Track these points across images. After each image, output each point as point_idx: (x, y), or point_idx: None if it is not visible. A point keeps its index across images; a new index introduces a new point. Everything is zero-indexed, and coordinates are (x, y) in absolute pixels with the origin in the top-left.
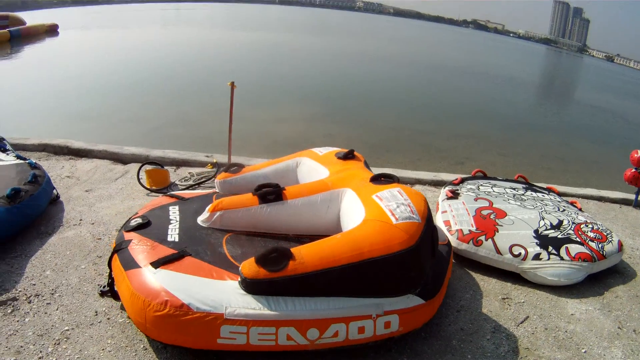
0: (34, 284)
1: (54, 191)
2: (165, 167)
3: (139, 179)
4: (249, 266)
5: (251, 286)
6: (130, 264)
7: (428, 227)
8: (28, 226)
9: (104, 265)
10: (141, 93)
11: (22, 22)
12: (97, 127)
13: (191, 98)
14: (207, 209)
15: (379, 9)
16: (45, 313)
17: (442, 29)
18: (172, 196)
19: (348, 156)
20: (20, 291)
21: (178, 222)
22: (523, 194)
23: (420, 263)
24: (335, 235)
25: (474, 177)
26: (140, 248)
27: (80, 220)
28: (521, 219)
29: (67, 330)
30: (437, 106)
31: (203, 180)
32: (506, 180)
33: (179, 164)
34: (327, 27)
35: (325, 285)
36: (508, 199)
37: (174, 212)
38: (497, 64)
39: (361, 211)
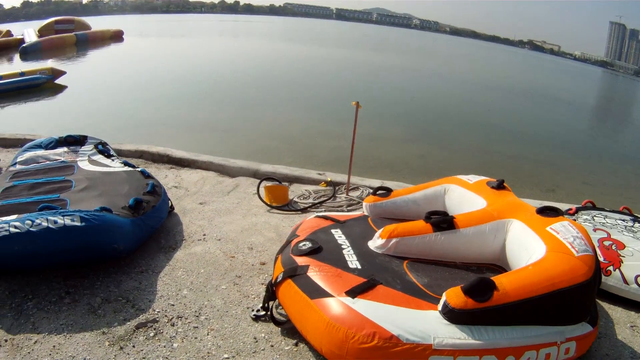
0: (173, 305)
1: (169, 202)
2: (284, 184)
3: (259, 195)
4: (456, 296)
5: (458, 316)
6: (317, 292)
7: (597, 258)
8: (147, 239)
9: (246, 286)
10: (220, 103)
11: (87, 27)
12: (181, 134)
13: (276, 110)
14: (378, 234)
15: (435, 27)
16: (196, 338)
17: (499, 49)
18: (325, 218)
19: (500, 186)
20: (158, 312)
21: (350, 247)
22: (632, 226)
23: (594, 293)
24: (527, 266)
25: (585, 207)
26: (324, 275)
27: (204, 235)
28: (638, 251)
29: (228, 358)
30: (513, 129)
31: (324, 199)
32: (613, 211)
33: (290, 180)
34: (389, 44)
35: (521, 314)
36: (622, 231)
37: (339, 236)
38: (559, 86)
39: (538, 243)
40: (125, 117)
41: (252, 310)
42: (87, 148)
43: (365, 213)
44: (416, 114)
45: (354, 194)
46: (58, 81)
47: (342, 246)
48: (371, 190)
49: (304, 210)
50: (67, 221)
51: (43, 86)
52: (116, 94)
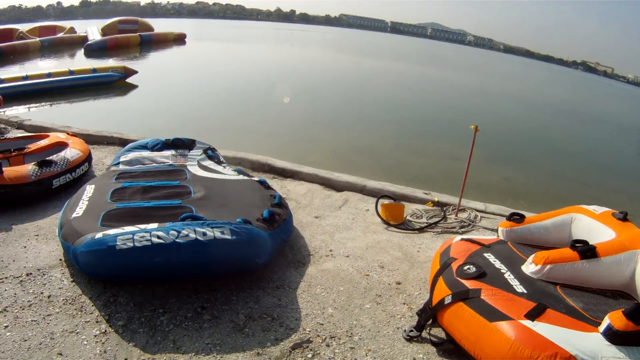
0: (322, 324)
1: None
2: (401, 202)
3: (377, 212)
4: (619, 320)
5: (620, 337)
6: (495, 315)
7: None
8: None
9: (389, 306)
10: (288, 111)
11: (150, 28)
12: (261, 141)
13: (360, 123)
14: (531, 260)
15: (489, 45)
16: (355, 359)
17: (554, 69)
18: (470, 241)
19: (625, 218)
20: (309, 331)
21: (509, 272)
22: None
23: None
24: None
25: None
26: (497, 299)
27: (330, 251)
28: None
29: None
30: (587, 154)
31: (438, 220)
32: None
33: (398, 198)
34: (455, 62)
35: None
36: None
37: (494, 260)
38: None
39: None
40: (198, 120)
41: (405, 331)
42: (196, 152)
43: (501, 237)
44: (490, 136)
45: (463, 215)
46: (129, 80)
47: (501, 270)
48: (476, 212)
49: (421, 230)
50: (217, 233)
51: (114, 84)
52: (187, 96)
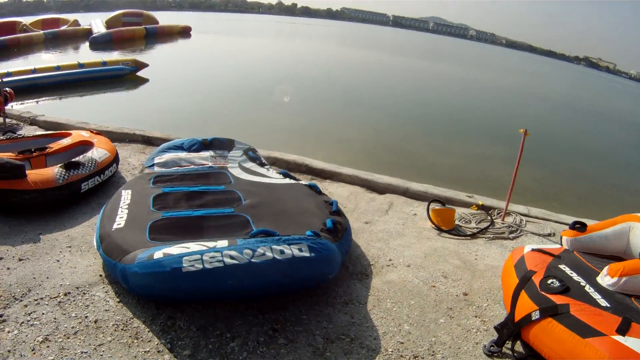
0: (402, 342)
1: None
2: (452, 207)
3: (430, 218)
4: None
5: None
6: (587, 331)
7: None
8: None
9: (462, 319)
10: (309, 106)
11: (155, 21)
12: (286, 139)
13: (384, 122)
14: (605, 272)
15: (491, 39)
16: None
17: (556, 65)
18: (540, 251)
19: None
20: (392, 352)
21: (588, 285)
22: None
23: None
24: None
25: None
26: (587, 314)
27: (390, 260)
28: None
29: None
30: (610, 153)
31: (488, 225)
32: None
33: (441, 200)
34: (462, 58)
35: None
36: None
37: (571, 272)
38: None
39: None
40: (215, 115)
41: (485, 346)
42: (236, 153)
43: (565, 246)
44: (515, 136)
45: (508, 220)
46: (139, 74)
47: (581, 283)
48: (521, 217)
49: (473, 235)
50: (295, 251)
51: (124, 78)
52: (200, 91)
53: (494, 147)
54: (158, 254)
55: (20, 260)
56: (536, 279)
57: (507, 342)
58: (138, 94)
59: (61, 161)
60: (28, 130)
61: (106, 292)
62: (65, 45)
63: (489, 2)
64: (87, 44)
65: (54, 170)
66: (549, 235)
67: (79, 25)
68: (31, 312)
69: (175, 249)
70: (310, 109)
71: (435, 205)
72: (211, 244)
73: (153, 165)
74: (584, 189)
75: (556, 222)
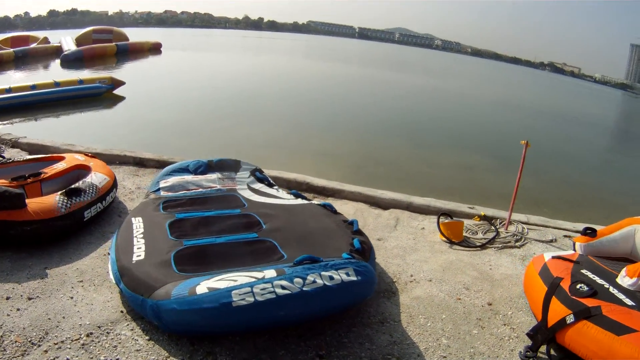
0: (445, 357)
1: None
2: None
3: (440, 231)
4: None
5: None
6: (621, 329)
7: None
8: None
9: (493, 328)
10: (291, 121)
11: (125, 38)
12: (270, 155)
13: (369, 134)
14: (624, 273)
15: (457, 48)
16: None
17: (522, 71)
18: (561, 258)
19: None
20: None
21: (610, 286)
22: None
23: None
24: None
25: None
26: (618, 313)
27: (412, 276)
28: None
29: None
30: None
31: (494, 236)
32: None
33: (449, 214)
34: (431, 68)
35: None
36: None
37: (593, 276)
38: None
39: None
40: (200, 133)
41: (520, 352)
42: (244, 175)
43: (579, 252)
44: (495, 143)
45: (511, 229)
46: (116, 92)
47: (605, 285)
48: (522, 225)
49: (483, 246)
50: (344, 276)
51: (102, 96)
52: (180, 108)
53: (477, 157)
54: (201, 289)
55: (29, 299)
56: (565, 285)
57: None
58: (117, 113)
59: (57, 187)
60: (11, 154)
61: (132, 329)
62: (35, 64)
63: (452, 12)
64: (57, 61)
65: (55, 198)
66: (551, 241)
67: (49, 42)
68: (54, 359)
69: (219, 282)
70: (290, 123)
71: (443, 219)
72: (259, 275)
73: (159, 189)
74: (569, 193)
75: (555, 227)
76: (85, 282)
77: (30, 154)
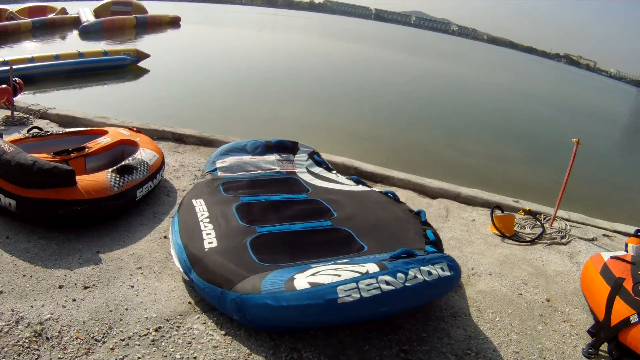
0: (517, 352)
1: None
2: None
3: (495, 225)
4: None
5: None
6: None
7: None
8: None
9: (554, 325)
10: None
11: (144, 10)
12: (302, 135)
13: (406, 121)
14: None
15: (473, 35)
16: None
17: (538, 62)
18: (619, 259)
19: None
20: None
21: None
22: None
23: None
24: None
25: None
26: None
27: (472, 269)
28: None
29: None
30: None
31: (542, 231)
32: None
33: (490, 206)
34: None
35: None
36: None
37: None
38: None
39: None
40: (228, 109)
41: (583, 349)
42: (302, 157)
43: (631, 253)
44: (531, 136)
45: (555, 225)
46: (141, 64)
47: None
48: (565, 222)
49: (532, 242)
50: (440, 271)
51: (126, 68)
52: (207, 83)
53: (509, 148)
54: (300, 284)
55: (85, 287)
56: (627, 285)
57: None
58: (144, 86)
59: (101, 163)
60: (40, 125)
61: (204, 323)
62: (53, 34)
63: None
64: (75, 32)
65: (107, 176)
66: (593, 240)
67: (67, 13)
68: (123, 358)
69: (321, 277)
70: (321, 104)
71: (497, 212)
72: (362, 269)
73: (216, 169)
74: (599, 191)
75: (594, 226)
76: (145, 269)
77: (60, 125)
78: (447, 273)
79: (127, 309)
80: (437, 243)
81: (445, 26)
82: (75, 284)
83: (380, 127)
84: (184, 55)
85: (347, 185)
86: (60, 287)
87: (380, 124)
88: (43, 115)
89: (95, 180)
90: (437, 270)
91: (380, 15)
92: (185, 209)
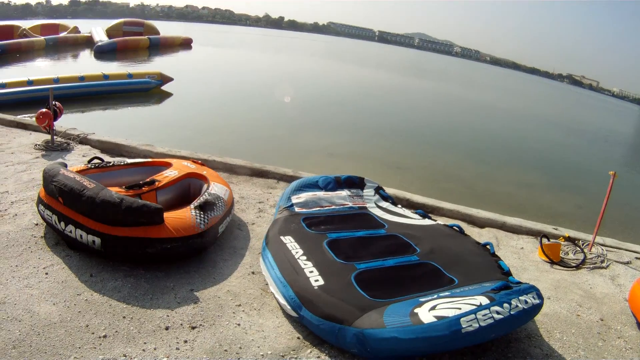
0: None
1: None
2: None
3: (544, 252)
4: None
5: None
6: None
7: None
8: None
9: (612, 341)
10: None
11: (156, 31)
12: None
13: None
14: None
15: (475, 56)
16: None
17: (542, 82)
18: None
19: None
20: None
21: None
22: None
23: None
24: None
25: None
26: None
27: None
28: None
29: None
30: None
31: (584, 257)
32: None
33: (534, 234)
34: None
35: None
36: None
37: None
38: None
39: None
40: (257, 137)
41: None
42: (369, 192)
43: None
44: (548, 160)
45: (594, 250)
46: (163, 88)
47: None
48: (601, 246)
49: (577, 267)
50: (532, 299)
51: (149, 92)
52: (232, 107)
53: (533, 174)
54: (426, 317)
55: (193, 328)
56: None
57: None
58: (170, 111)
59: (170, 197)
60: (81, 150)
61: (318, 357)
62: (65, 52)
63: (471, 19)
64: (87, 51)
65: (191, 213)
66: (628, 263)
67: (79, 32)
68: None
69: (444, 311)
70: (349, 132)
71: (545, 240)
72: (475, 302)
73: (292, 205)
74: (621, 213)
75: (626, 250)
76: (244, 306)
77: (101, 152)
78: (537, 301)
79: (240, 348)
80: (509, 273)
81: (449, 48)
82: (181, 324)
83: (410, 155)
84: (202, 77)
85: (415, 219)
86: (166, 328)
87: (409, 152)
88: (83, 140)
89: (181, 217)
90: (530, 299)
91: (384, 37)
92: (276, 246)
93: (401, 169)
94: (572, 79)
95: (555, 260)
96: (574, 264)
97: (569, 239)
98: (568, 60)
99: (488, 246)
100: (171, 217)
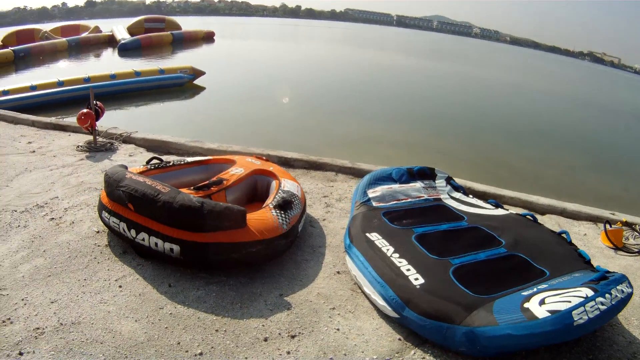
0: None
1: None
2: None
3: (608, 237)
4: None
5: None
6: None
7: None
8: None
9: None
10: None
11: (178, 27)
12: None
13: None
14: None
15: (495, 37)
16: None
17: (564, 61)
18: None
19: None
20: None
21: None
22: None
23: None
24: None
25: None
26: None
27: None
28: None
29: None
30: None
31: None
32: None
33: (592, 219)
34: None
35: None
36: None
37: None
38: None
39: None
40: (296, 127)
41: None
42: (441, 183)
43: None
44: (590, 142)
45: None
46: (196, 82)
47: None
48: None
49: None
50: (626, 289)
51: (183, 86)
52: (264, 99)
53: (573, 156)
54: (539, 312)
55: (292, 337)
56: None
57: None
58: (201, 104)
59: (238, 195)
60: (126, 150)
61: (422, 357)
62: (88, 52)
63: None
64: (110, 50)
65: (272, 213)
66: None
67: (100, 31)
68: None
69: (555, 304)
70: (383, 119)
71: (608, 226)
72: (581, 293)
73: (369, 199)
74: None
75: None
76: (339, 309)
77: (147, 150)
78: (630, 290)
79: (345, 355)
80: (590, 262)
81: (467, 29)
82: (279, 333)
83: (450, 140)
84: (231, 69)
85: (490, 209)
86: (265, 339)
87: (448, 136)
88: (127, 139)
89: (263, 218)
90: (625, 288)
91: (402, 21)
92: (364, 244)
93: (445, 154)
94: (593, 56)
95: (618, 246)
96: (636, 249)
97: (626, 224)
98: (588, 38)
99: (564, 235)
100: (252, 218)
